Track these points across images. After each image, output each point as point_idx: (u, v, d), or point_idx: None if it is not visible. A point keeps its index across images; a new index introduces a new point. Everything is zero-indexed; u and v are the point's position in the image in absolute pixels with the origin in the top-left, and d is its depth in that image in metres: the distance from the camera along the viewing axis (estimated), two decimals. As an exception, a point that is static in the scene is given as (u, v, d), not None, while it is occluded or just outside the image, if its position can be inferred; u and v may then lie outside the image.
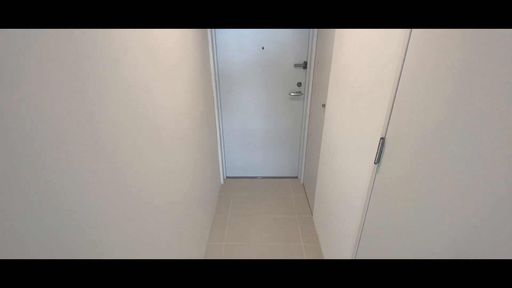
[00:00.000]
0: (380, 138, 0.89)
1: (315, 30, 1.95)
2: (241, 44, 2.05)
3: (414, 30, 0.72)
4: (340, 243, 1.38)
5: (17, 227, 0.41)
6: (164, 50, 1.05)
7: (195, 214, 1.54)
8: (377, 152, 0.91)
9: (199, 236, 1.64)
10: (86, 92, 0.56)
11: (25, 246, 0.42)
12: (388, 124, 0.86)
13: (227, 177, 2.66)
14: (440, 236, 0.61)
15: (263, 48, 2.06)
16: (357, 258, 1.16)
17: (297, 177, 2.65)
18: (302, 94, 2.22)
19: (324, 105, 1.73)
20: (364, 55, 1.06)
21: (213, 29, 1.99)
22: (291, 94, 2.21)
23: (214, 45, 2.05)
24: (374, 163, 0.93)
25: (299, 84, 2.19)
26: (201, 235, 1.71)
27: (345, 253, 1.30)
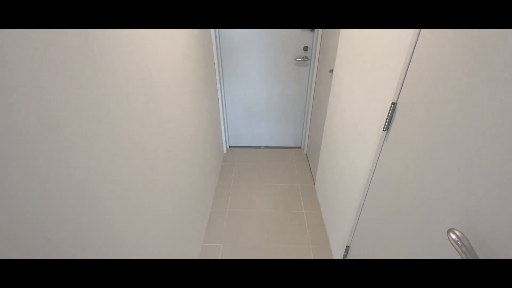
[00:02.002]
0: (391, 103, 0.83)
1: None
2: (244, 3, 1.89)
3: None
4: (342, 210, 1.39)
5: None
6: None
7: (198, 181, 1.55)
8: (386, 118, 0.86)
9: (202, 202, 1.67)
10: (74, 58, 0.50)
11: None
12: (401, 88, 0.79)
13: (230, 147, 2.65)
14: (447, 210, 0.59)
15: (267, 7, 1.90)
16: (357, 227, 1.17)
17: (300, 147, 2.63)
18: (308, 59, 2.10)
19: (331, 71, 1.63)
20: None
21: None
22: (297, 59, 2.09)
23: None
24: (383, 130, 0.89)
25: (305, 49, 2.06)
26: (205, 201, 1.74)
27: (346, 221, 1.31)
